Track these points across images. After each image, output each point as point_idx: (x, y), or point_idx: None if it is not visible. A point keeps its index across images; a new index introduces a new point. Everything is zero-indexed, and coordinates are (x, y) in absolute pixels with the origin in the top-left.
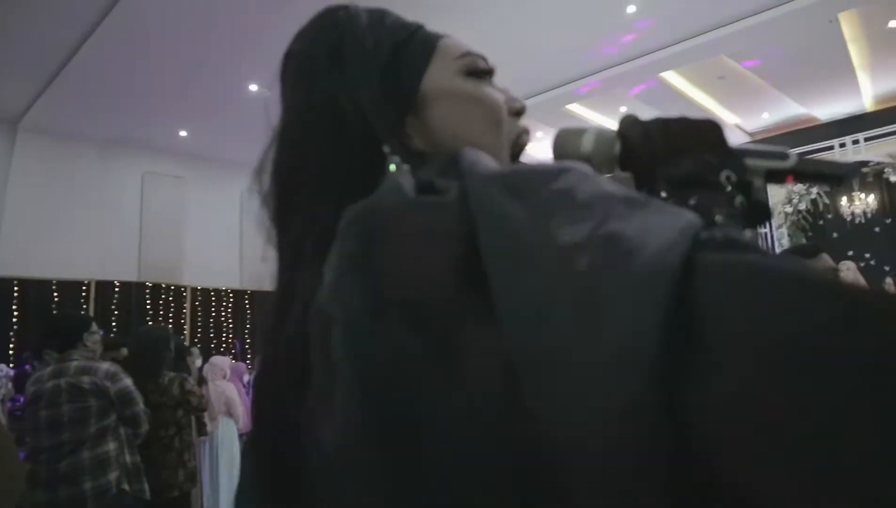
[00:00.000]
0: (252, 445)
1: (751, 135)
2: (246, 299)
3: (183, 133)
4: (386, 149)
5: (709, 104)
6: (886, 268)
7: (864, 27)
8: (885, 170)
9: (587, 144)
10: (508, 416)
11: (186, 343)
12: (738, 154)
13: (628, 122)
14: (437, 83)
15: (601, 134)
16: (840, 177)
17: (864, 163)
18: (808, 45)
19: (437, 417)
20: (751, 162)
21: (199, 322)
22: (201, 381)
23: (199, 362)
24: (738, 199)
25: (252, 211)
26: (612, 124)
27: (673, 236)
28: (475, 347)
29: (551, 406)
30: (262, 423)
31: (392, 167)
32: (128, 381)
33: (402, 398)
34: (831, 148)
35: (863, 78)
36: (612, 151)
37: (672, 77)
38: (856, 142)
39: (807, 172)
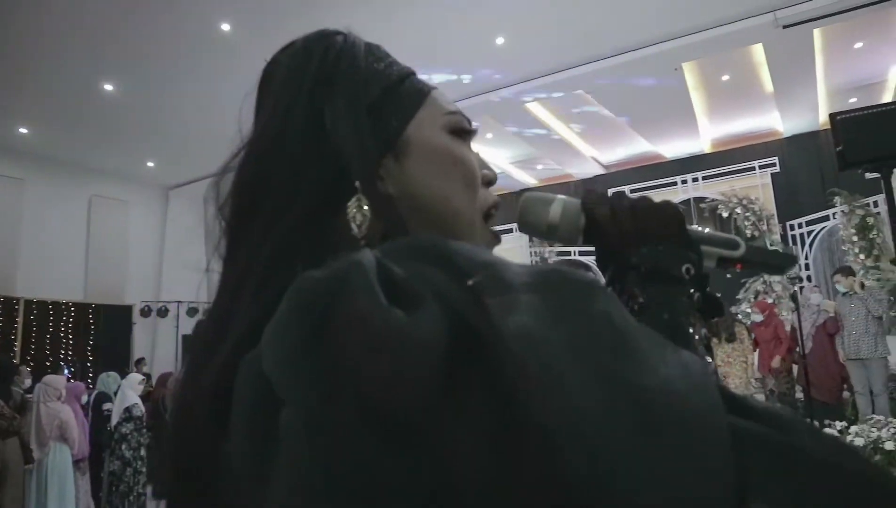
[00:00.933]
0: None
1: (606, 167)
2: (90, 313)
3: (23, 130)
4: (357, 184)
5: (569, 137)
6: (718, 295)
7: (703, 77)
8: (719, 206)
9: (554, 214)
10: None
11: (17, 360)
12: (696, 241)
13: (594, 199)
14: (421, 133)
15: (567, 205)
16: (780, 267)
17: (795, 259)
18: (656, 89)
19: None
20: (705, 249)
21: (34, 337)
22: (22, 405)
23: (27, 382)
24: (696, 295)
25: (101, 218)
26: (479, 148)
27: (712, 399)
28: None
29: None
30: (182, 466)
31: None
32: None
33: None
34: (674, 183)
35: (702, 122)
36: (578, 224)
37: (535, 108)
38: (695, 179)
39: (754, 261)
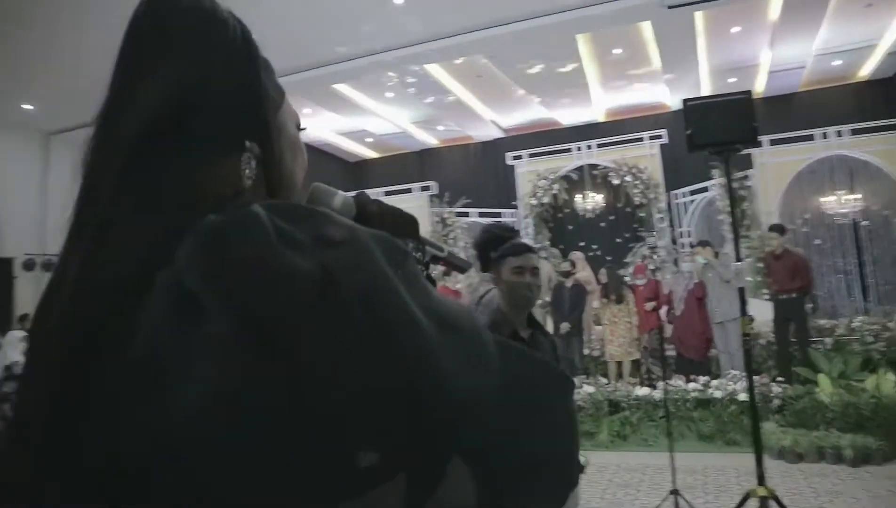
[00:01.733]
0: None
1: (505, 131)
2: None
3: None
4: (248, 144)
5: (468, 99)
6: (608, 258)
7: (597, 49)
8: (610, 173)
9: (337, 203)
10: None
11: None
12: (424, 241)
13: (364, 199)
14: (286, 122)
15: (346, 200)
16: (463, 268)
17: (471, 264)
18: (552, 58)
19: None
20: (428, 248)
21: None
22: None
23: None
24: (424, 272)
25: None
26: (379, 106)
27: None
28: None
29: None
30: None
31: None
32: None
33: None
34: (569, 150)
35: (597, 92)
36: (351, 213)
37: (436, 70)
38: (589, 147)
39: (449, 261)
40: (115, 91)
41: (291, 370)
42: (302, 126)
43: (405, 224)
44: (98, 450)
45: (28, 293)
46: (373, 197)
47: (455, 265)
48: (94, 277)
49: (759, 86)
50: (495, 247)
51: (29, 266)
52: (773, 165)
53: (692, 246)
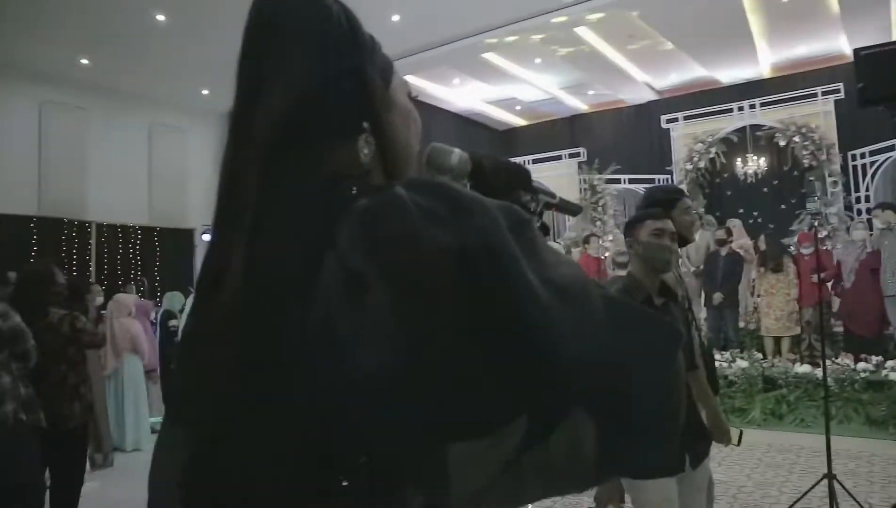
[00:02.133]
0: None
1: (659, 93)
2: (155, 237)
3: (85, 60)
4: (364, 125)
5: (620, 62)
6: (771, 226)
7: None
8: (776, 134)
9: (454, 161)
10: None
11: (92, 279)
12: (537, 190)
13: (479, 156)
14: (398, 94)
15: (462, 157)
16: (574, 212)
17: (581, 208)
18: (710, 11)
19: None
20: (541, 197)
21: (106, 259)
22: (98, 319)
23: (99, 299)
24: (537, 219)
25: (161, 146)
26: (528, 73)
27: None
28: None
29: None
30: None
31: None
32: (17, 319)
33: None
34: (730, 111)
35: (761, 46)
36: (467, 169)
37: (585, 32)
38: (752, 106)
39: (561, 206)
40: (243, 92)
41: (440, 331)
42: (414, 94)
43: (518, 176)
44: (290, 400)
45: None
46: (522, 164)
47: (568, 209)
48: (264, 265)
49: None
50: (661, 208)
51: (207, 235)
52: None
53: (868, 211)
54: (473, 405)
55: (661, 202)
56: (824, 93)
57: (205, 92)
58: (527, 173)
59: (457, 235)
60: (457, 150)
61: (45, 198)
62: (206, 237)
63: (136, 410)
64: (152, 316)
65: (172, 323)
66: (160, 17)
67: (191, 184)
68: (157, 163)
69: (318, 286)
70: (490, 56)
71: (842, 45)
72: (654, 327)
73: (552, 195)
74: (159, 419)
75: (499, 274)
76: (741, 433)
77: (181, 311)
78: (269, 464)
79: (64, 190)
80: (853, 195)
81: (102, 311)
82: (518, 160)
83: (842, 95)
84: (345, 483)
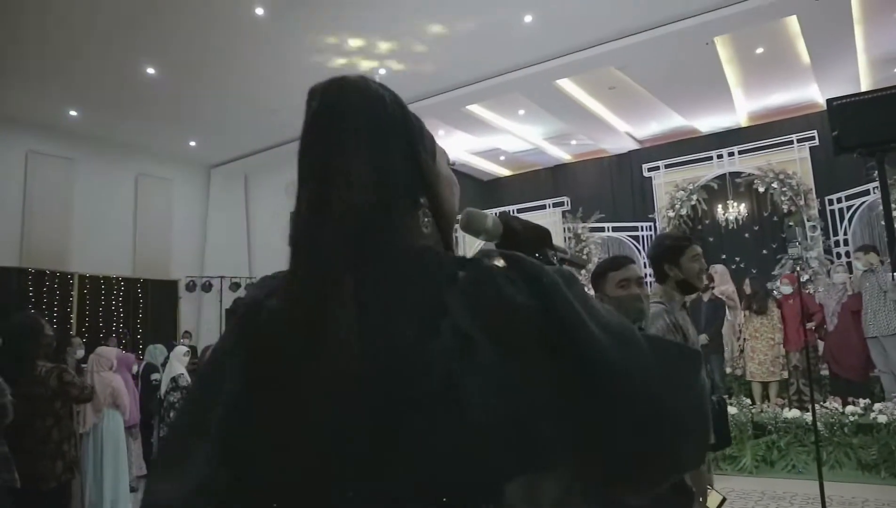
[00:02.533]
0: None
1: (640, 142)
2: (139, 288)
3: (73, 112)
4: (422, 200)
5: (601, 112)
6: (753, 271)
7: (737, 51)
8: (755, 181)
9: (489, 224)
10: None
11: (73, 332)
12: (556, 248)
13: (508, 218)
14: (441, 166)
15: (495, 220)
16: (581, 266)
17: (586, 262)
18: (689, 63)
19: None
20: (558, 253)
21: (88, 310)
22: (79, 373)
23: (80, 352)
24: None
25: (147, 196)
26: (510, 125)
27: (630, 326)
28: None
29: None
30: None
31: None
32: None
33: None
34: (710, 158)
35: (738, 96)
36: (499, 231)
37: (567, 85)
38: (731, 154)
39: (571, 261)
40: (316, 178)
41: (531, 374)
42: (451, 161)
43: (542, 235)
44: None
45: (189, 311)
46: (509, 213)
47: (575, 263)
48: (380, 332)
49: None
50: (670, 256)
51: (190, 287)
52: None
53: (848, 254)
54: (563, 422)
55: (670, 249)
56: (799, 140)
57: (192, 143)
58: (548, 232)
59: (534, 296)
60: (490, 214)
61: (28, 249)
62: (190, 289)
63: (116, 467)
64: (134, 369)
65: (154, 376)
66: (150, 71)
67: (176, 234)
68: (143, 213)
69: (436, 348)
70: (474, 108)
71: (813, 93)
72: (681, 351)
73: (565, 251)
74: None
75: (564, 322)
76: (723, 500)
77: (163, 365)
78: None
79: (48, 240)
80: (832, 239)
81: (83, 365)
82: (503, 209)
83: (816, 142)
84: None
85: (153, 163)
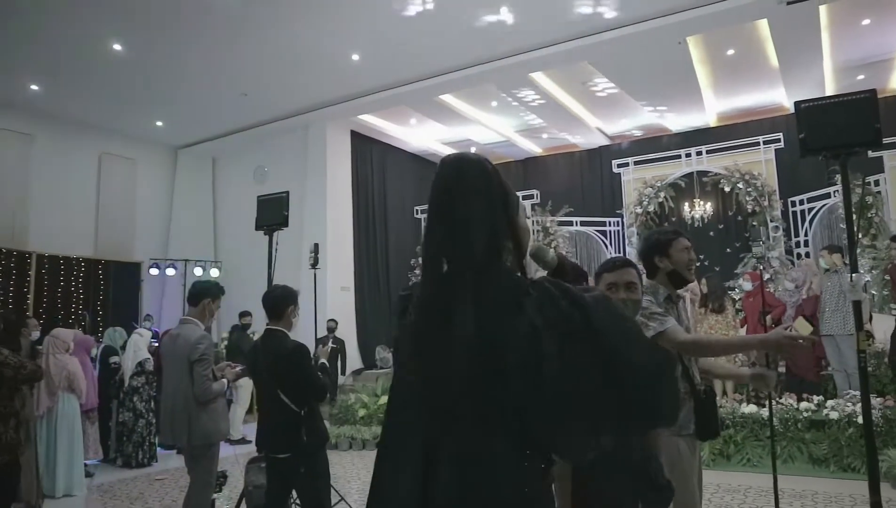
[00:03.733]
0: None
1: (611, 138)
2: (100, 269)
3: (34, 86)
4: (508, 244)
5: (573, 106)
6: (717, 269)
7: (709, 51)
8: (721, 180)
9: (550, 257)
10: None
11: (30, 313)
12: (587, 281)
13: (561, 254)
14: (522, 219)
15: (553, 256)
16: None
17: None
18: (661, 61)
19: None
20: (584, 283)
21: (46, 291)
22: (34, 355)
23: (36, 334)
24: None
25: (111, 175)
26: (483, 115)
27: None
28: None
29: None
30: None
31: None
32: None
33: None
34: (678, 157)
35: (708, 96)
36: (554, 263)
37: (540, 78)
38: (699, 153)
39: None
40: (442, 235)
41: (576, 359)
42: (528, 215)
43: (581, 273)
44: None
45: (152, 294)
46: None
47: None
48: (486, 321)
49: (894, 83)
50: (660, 248)
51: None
52: None
53: (808, 255)
54: (607, 402)
55: (659, 242)
56: (765, 143)
57: (158, 123)
58: (585, 273)
59: (576, 308)
60: (552, 251)
61: None
62: (154, 271)
63: (70, 453)
64: (93, 352)
65: (114, 359)
66: (117, 47)
67: (140, 216)
68: (106, 193)
69: (518, 332)
70: (447, 98)
71: (780, 97)
72: (666, 354)
73: (587, 279)
74: (95, 462)
75: (602, 330)
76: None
77: (122, 348)
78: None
79: (4, 217)
80: (793, 239)
81: (38, 346)
82: None
83: (782, 144)
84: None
85: (118, 143)
